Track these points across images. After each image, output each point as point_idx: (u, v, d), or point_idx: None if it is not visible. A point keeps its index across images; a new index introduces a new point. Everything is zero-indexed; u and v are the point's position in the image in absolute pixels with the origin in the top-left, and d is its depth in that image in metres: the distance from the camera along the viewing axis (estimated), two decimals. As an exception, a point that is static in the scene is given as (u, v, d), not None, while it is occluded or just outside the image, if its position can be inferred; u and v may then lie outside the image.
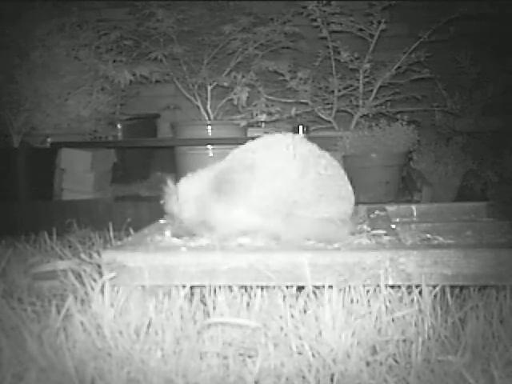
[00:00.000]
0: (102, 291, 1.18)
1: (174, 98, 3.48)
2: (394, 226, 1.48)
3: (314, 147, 1.40)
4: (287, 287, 1.21)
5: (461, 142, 3.09)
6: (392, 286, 1.19)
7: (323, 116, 3.11)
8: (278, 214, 1.32)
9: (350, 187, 1.41)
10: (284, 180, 1.32)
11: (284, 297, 1.20)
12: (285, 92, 3.12)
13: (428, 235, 1.53)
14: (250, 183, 1.33)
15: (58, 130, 2.94)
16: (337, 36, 2.94)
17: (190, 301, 1.24)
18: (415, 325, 1.13)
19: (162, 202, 1.46)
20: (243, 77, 2.92)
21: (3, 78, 2.77)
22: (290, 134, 1.43)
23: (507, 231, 1.52)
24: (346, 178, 1.41)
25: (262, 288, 1.26)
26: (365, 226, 1.54)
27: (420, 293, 1.16)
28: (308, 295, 1.18)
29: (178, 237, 1.44)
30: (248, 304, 1.25)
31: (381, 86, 3.00)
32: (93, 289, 1.20)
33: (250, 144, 1.43)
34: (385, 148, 2.67)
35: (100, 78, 2.96)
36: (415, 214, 1.80)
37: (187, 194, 1.42)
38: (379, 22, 2.82)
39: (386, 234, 1.36)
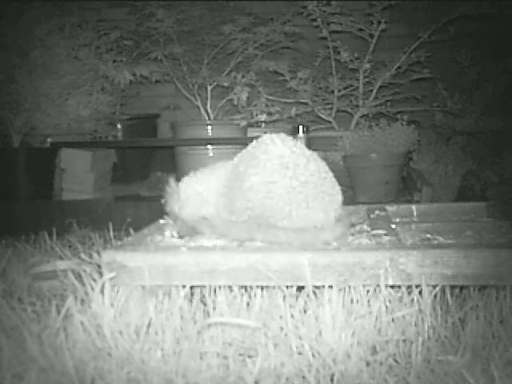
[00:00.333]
0: (102, 291, 1.18)
1: (174, 98, 3.48)
2: (394, 226, 1.48)
3: (297, 148, 1.35)
4: (287, 287, 1.21)
5: (461, 142, 3.09)
6: (392, 286, 1.19)
7: (323, 116, 3.11)
8: (254, 227, 1.33)
9: (334, 190, 1.36)
10: (257, 193, 1.32)
11: (284, 297, 1.20)
12: (285, 92, 3.12)
13: (428, 235, 1.53)
14: (230, 199, 1.37)
15: (58, 129, 2.94)
16: (337, 36, 2.94)
17: (190, 301, 1.24)
18: (415, 325, 1.13)
19: (162, 200, 1.48)
20: (243, 77, 2.92)
21: (3, 77, 2.77)
22: (276, 137, 1.38)
23: (507, 231, 1.52)
24: (330, 180, 1.37)
25: (262, 288, 1.26)
26: (365, 226, 1.54)
27: (420, 293, 1.16)
28: (308, 295, 1.18)
29: (180, 233, 1.45)
30: (248, 304, 1.25)
31: (381, 86, 3.00)
32: (93, 289, 1.20)
33: (242, 152, 1.41)
34: (385, 148, 2.67)
35: (100, 78, 2.96)
36: (415, 214, 1.80)
37: (189, 190, 1.44)
38: (379, 22, 2.83)
39: (386, 234, 1.35)
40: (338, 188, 1.38)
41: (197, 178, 1.45)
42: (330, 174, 1.38)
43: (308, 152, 1.38)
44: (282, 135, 1.39)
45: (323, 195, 1.33)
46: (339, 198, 1.37)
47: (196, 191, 1.42)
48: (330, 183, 1.36)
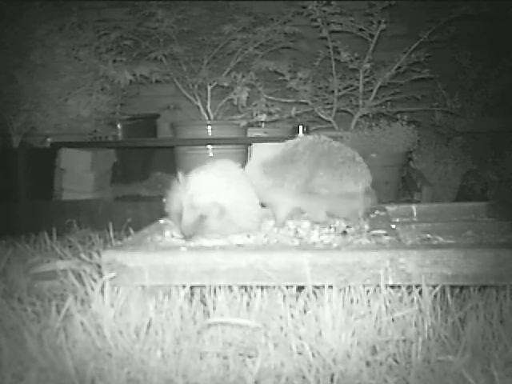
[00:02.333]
0: (102, 291, 1.18)
1: (174, 98, 3.48)
2: (393, 226, 1.48)
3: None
4: (287, 287, 1.21)
5: (461, 142, 3.09)
6: (392, 286, 1.19)
7: (323, 116, 3.11)
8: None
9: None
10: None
11: (284, 297, 1.20)
12: (285, 92, 3.12)
13: (428, 235, 1.53)
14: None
15: (58, 129, 2.94)
16: (337, 36, 2.94)
17: (190, 301, 1.24)
18: (415, 325, 1.13)
19: (164, 198, 1.54)
20: (243, 77, 2.92)
21: (3, 77, 2.77)
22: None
23: (507, 231, 1.52)
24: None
25: (262, 288, 1.26)
26: (365, 226, 1.54)
27: (420, 293, 1.16)
28: (308, 295, 1.18)
29: (184, 229, 1.45)
30: (248, 304, 1.25)
31: (381, 86, 3.00)
32: (93, 289, 1.20)
33: None
34: (385, 148, 2.66)
35: (100, 78, 2.96)
36: (415, 214, 1.80)
37: (202, 180, 1.51)
38: (379, 22, 2.82)
39: (386, 234, 1.36)
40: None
41: (207, 171, 1.55)
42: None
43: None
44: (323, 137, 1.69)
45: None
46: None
47: (209, 181, 1.50)
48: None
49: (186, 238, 1.44)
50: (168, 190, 1.55)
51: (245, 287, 1.28)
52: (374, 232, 1.39)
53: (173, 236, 1.51)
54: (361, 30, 2.92)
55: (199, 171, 1.54)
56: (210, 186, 1.49)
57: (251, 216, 1.56)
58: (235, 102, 2.89)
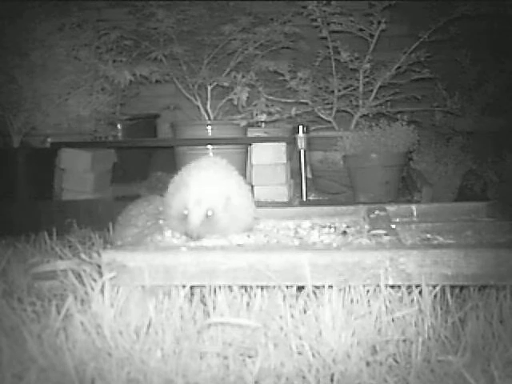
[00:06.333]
0: (102, 291, 1.18)
1: (174, 98, 3.47)
2: (393, 226, 1.48)
3: None
4: (287, 287, 1.21)
5: (461, 141, 3.08)
6: (392, 286, 1.19)
7: (323, 116, 3.11)
8: None
9: None
10: None
11: (284, 297, 1.20)
12: (285, 92, 3.11)
13: (428, 235, 1.53)
14: None
15: (58, 129, 2.94)
16: (337, 36, 2.94)
17: (190, 301, 1.24)
18: (415, 325, 1.13)
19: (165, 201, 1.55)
20: (243, 77, 2.92)
21: (3, 78, 2.77)
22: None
23: (507, 231, 1.52)
24: None
25: (262, 288, 1.26)
26: (365, 226, 1.54)
27: (420, 293, 1.16)
28: (308, 295, 1.18)
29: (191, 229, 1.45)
30: (248, 304, 1.25)
31: (381, 86, 3.00)
32: (93, 289, 1.20)
33: None
34: (385, 148, 2.67)
35: (100, 78, 2.95)
36: (415, 214, 1.80)
37: (199, 179, 1.51)
38: (379, 22, 2.82)
39: (386, 234, 1.36)
40: None
41: (203, 169, 1.55)
42: None
43: None
44: None
45: None
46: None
47: (208, 177, 1.50)
48: None
49: (195, 238, 1.41)
50: (165, 192, 1.55)
51: (245, 287, 1.28)
52: (373, 232, 1.39)
53: (173, 236, 1.51)
54: (361, 29, 2.92)
55: (196, 170, 1.54)
56: (210, 182, 1.49)
57: (251, 211, 1.56)
58: (235, 102, 2.89)
